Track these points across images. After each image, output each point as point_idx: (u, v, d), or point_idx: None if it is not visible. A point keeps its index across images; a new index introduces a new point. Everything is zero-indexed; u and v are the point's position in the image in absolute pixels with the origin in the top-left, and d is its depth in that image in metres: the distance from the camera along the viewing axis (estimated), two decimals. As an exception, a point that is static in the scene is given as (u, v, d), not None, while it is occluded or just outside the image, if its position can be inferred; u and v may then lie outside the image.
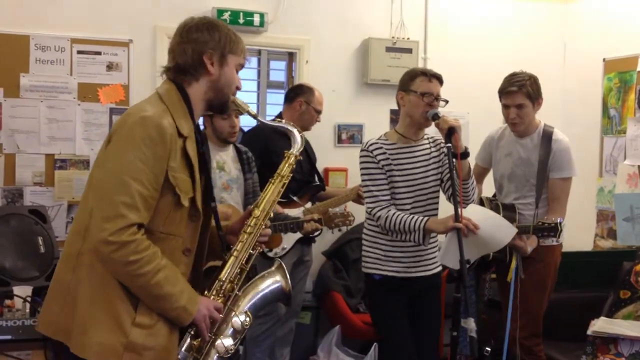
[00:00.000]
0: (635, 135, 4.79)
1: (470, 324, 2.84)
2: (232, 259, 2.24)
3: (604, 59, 5.10)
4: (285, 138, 4.15)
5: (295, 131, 2.44)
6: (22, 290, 3.28)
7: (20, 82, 4.21)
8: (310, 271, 4.52)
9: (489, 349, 4.34)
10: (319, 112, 4.30)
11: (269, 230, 2.34)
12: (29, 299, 3.26)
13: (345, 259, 4.83)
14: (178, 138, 2.08)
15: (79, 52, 4.34)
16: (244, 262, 2.25)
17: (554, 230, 3.39)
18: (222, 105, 2.28)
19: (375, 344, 4.40)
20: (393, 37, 5.03)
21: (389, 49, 4.98)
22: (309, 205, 4.22)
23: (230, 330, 2.17)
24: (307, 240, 4.23)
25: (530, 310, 3.68)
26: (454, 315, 3.02)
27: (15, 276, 3.40)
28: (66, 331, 2.02)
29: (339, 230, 4.03)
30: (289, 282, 2.37)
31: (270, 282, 2.34)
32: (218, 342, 2.14)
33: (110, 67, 4.41)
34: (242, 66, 2.29)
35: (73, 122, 4.34)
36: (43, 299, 3.26)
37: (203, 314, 2.09)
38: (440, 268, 3.44)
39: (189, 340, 2.12)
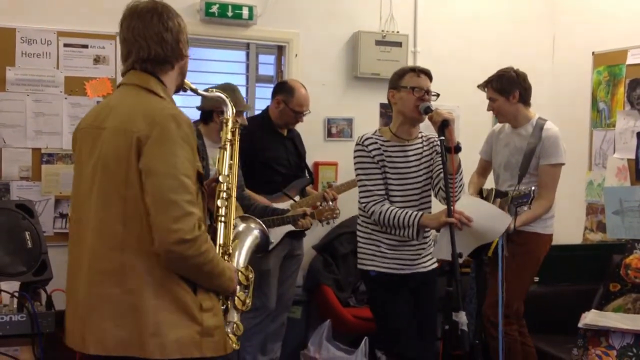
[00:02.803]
0: (624, 129, 4.80)
1: (462, 318, 2.81)
2: (221, 225, 2.33)
3: (593, 53, 5.11)
4: (270, 132, 4.18)
5: (224, 98, 2.57)
6: (10, 286, 3.24)
7: (6, 76, 4.15)
8: (301, 265, 4.50)
9: (477, 341, 4.33)
10: (297, 113, 4.18)
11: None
12: (16, 294, 3.22)
13: (335, 253, 4.82)
14: None
15: (66, 45, 4.29)
16: (232, 224, 2.39)
17: (527, 196, 3.53)
18: (180, 86, 2.34)
19: (365, 337, 4.40)
20: (383, 31, 5.01)
21: (378, 43, 4.96)
22: (297, 198, 4.19)
23: (241, 287, 2.34)
24: (297, 235, 4.21)
25: (505, 292, 3.70)
26: (446, 309, 3.01)
27: (2, 271, 3.35)
28: (134, 344, 2.04)
29: (328, 223, 4.05)
30: (262, 223, 2.57)
31: (248, 233, 2.52)
32: (236, 300, 2.30)
33: (97, 60, 4.36)
34: None
35: (60, 116, 4.29)
36: (30, 294, 3.26)
37: (236, 278, 2.27)
38: (436, 265, 3.44)
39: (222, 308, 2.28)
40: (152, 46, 2.16)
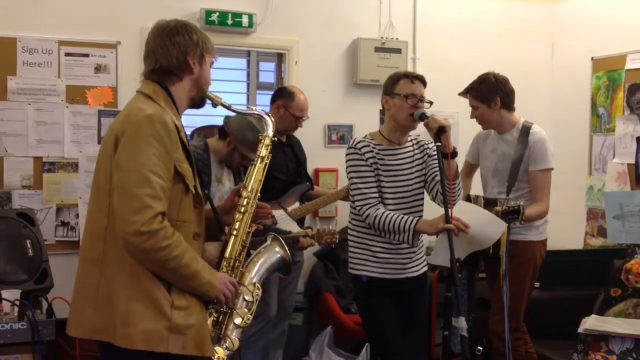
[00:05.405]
0: (624, 134, 4.81)
1: (462, 323, 2.83)
2: (232, 238, 2.44)
3: (592, 58, 5.12)
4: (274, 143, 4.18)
5: (265, 116, 2.65)
6: (11, 294, 3.26)
7: (8, 85, 4.19)
8: (302, 272, 4.51)
9: (480, 348, 4.33)
10: (297, 117, 4.20)
11: (268, 206, 2.58)
12: (17, 302, 3.23)
13: (336, 260, 4.83)
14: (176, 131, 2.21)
15: (67, 54, 4.32)
16: (244, 239, 2.46)
17: (517, 212, 3.47)
18: (201, 100, 2.44)
19: (367, 344, 4.39)
20: (382, 38, 5.03)
21: (378, 49, 4.98)
22: (296, 205, 4.21)
23: (243, 303, 2.40)
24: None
25: (509, 305, 3.69)
26: (446, 314, 3.02)
27: (3, 280, 3.37)
28: (107, 329, 2.13)
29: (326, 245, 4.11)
30: (287, 250, 2.61)
31: (269, 255, 2.59)
32: (234, 314, 2.36)
33: (98, 69, 4.39)
34: (212, 63, 2.46)
35: (61, 125, 4.31)
36: (31, 302, 3.28)
37: (222, 287, 2.27)
38: (426, 268, 3.45)
39: (210, 318, 2.32)
40: (158, 59, 2.30)
